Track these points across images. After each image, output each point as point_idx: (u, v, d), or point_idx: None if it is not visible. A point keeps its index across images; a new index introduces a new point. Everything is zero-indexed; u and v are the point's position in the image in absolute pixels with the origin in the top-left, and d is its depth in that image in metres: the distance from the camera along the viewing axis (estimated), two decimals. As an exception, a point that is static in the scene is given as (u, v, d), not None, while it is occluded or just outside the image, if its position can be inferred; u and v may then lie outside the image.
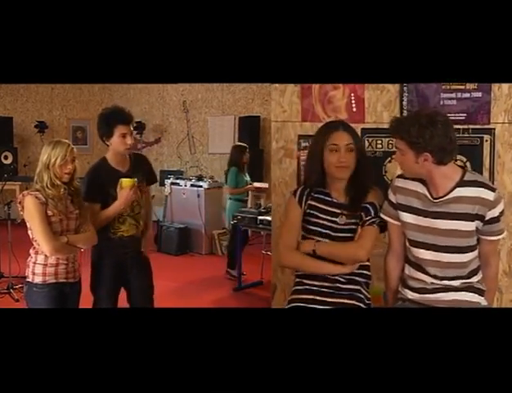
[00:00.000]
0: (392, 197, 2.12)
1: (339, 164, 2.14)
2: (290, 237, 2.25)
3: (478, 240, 2.04)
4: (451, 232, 1.98)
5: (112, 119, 2.72)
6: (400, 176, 2.13)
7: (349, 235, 2.19)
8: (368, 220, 2.16)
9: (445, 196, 1.97)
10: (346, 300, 2.15)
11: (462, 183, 1.97)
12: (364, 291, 2.21)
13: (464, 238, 1.99)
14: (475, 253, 2.05)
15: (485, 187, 1.96)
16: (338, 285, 2.17)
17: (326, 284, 2.18)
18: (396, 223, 2.12)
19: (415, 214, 2.04)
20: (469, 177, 1.99)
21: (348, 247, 2.17)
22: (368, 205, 2.18)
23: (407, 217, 2.06)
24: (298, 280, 2.28)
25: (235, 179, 5.56)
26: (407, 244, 2.12)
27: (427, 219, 2.01)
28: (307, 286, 2.21)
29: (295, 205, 2.26)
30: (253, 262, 5.57)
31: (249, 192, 5.83)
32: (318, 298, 2.16)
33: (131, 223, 2.81)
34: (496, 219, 1.98)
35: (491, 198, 1.94)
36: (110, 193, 2.72)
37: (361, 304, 2.17)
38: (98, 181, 2.74)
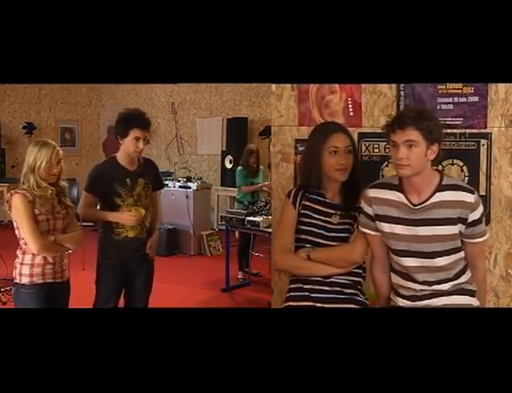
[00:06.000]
0: (367, 209, 2.08)
1: (339, 167, 2.13)
2: (284, 239, 2.23)
3: (463, 242, 2.03)
4: (435, 238, 1.97)
5: (130, 120, 2.81)
6: (372, 186, 2.09)
7: (343, 235, 2.18)
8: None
9: (425, 201, 1.96)
10: (345, 305, 2.12)
11: (441, 188, 1.96)
12: (362, 294, 2.20)
13: (449, 241, 1.99)
14: (461, 254, 2.04)
15: (465, 190, 1.95)
16: (336, 288, 2.15)
17: (324, 288, 2.15)
18: (376, 234, 2.09)
19: (395, 223, 2.01)
20: (447, 181, 1.99)
21: (341, 250, 2.16)
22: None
23: (387, 227, 2.03)
24: (293, 285, 2.23)
25: (239, 180, 5.50)
26: (391, 253, 2.10)
27: (408, 227, 1.98)
28: (306, 293, 2.17)
29: (290, 206, 2.24)
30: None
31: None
32: (318, 305, 2.13)
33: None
34: (478, 221, 1.97)
35: (472, 200, 1.94)
36: (113, 188, 2.82)
37: (361, 307, 2.15)
38: (102, 175, 2.87)
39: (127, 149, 2.83)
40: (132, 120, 2.80)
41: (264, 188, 5.40)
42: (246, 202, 5.33)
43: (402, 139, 1.90)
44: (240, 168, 5.55)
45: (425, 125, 1.88)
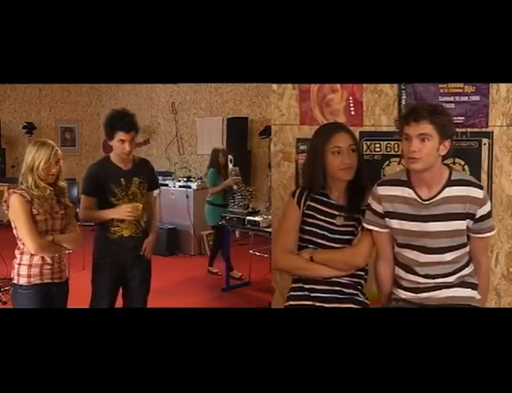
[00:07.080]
0: (376, 207, 2.07)
1: (343, 166, 2.12)
2: (287, 239, 2.21)
3: (468, 237, 2.04)
4: (444, 234, 1.98)
5: (114, 123, 2.83)
6: (381, 184, 2.09)
7: (347, 237, 2.17)
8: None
9: (435, 196, 1.97)
10: (345, 305, 2.12)
11: (450, 183, 1.97)
12: (362, 294, 2.19)
13: (457, 237, 2.00)
14: (466, 249, 2.05)
15: (474, 186, 1.96)
16: (336, 288, 2.15)
17: (325, 288, 2.15)
18: (383, 231, 2.09)
19: (406, 219, 2.01)
20: (456, 176, 1.99)
21: (344, 254, 2.15)
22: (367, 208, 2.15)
23: (396, 223, 2.03)
24: (295, 285, 2.24)
25: (213, 181, 5.45)
26: (396, 247, 2.10)
27: (418, 223, 1.99)
28: (306, 292, 2.17)
29: (294, 206, 2.22)
30: (242, 262, 5.60)
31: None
32: (317, 304, 2.14)
33: (130, 222, 2.90)
34: (486, 216, 1.98)
35: (481, 196, 1.95)
36: (108, 188, 2.85)
37: (360, 307, 2.14)
38: (97, 175, 2.89)
39: (115, 151, 2.87)
40: (116, 123, 2.81)
41: (230, 183, 5.32)
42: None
43: (416, 132, 1.89)
44: (211, 169, 5.51)
45: (440, 120, 1.89)
